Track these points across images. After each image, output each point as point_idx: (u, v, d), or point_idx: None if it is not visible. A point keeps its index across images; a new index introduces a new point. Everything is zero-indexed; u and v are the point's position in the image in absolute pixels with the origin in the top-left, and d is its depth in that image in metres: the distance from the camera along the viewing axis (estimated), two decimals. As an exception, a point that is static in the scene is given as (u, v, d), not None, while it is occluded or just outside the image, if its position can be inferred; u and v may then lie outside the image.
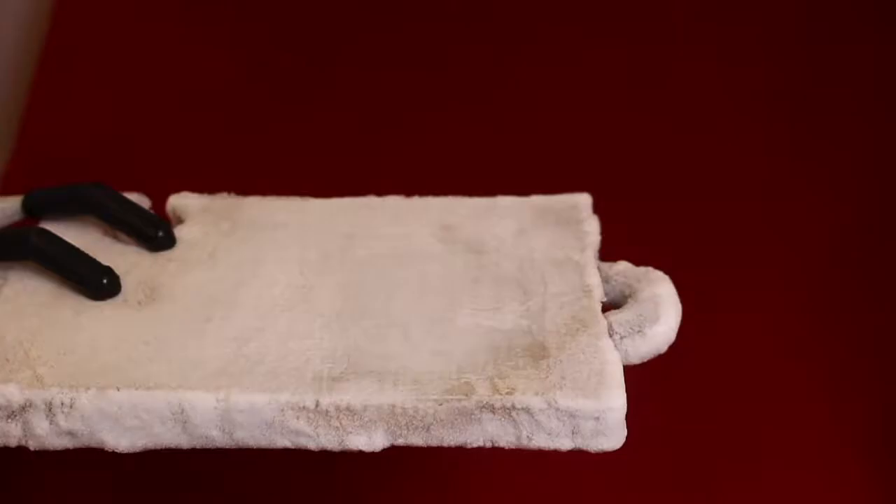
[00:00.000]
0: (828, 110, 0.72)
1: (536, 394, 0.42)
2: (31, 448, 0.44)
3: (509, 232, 0.50)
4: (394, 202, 0.52)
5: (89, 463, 0.48)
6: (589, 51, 0.76)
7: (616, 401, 0.42)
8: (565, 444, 0.43)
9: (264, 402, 0.43)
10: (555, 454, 0.43)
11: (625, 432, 0.43)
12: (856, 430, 0.57)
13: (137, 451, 0.44)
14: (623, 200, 0.62)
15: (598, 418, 0.42)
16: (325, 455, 0.44)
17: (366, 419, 0.43)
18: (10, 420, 0.43)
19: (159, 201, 0.53)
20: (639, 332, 0.45)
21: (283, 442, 0.43)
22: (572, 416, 0.42)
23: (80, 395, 0.43)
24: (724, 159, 0.70)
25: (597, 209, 0.51)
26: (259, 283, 0.48)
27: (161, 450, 0.44)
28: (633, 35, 0.77)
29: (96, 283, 0.47)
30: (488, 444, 0.43)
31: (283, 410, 0.43)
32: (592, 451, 0.43)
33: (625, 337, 0.45)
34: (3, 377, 0.44)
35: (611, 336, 0.45)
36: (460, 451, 0.44)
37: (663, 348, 0.46)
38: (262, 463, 0.54)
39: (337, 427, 0.43)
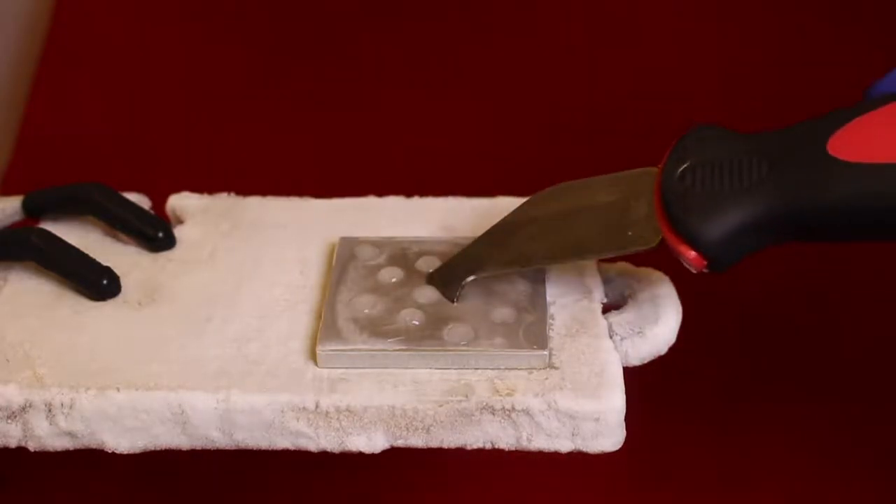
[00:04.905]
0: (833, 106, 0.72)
1: (536, 395, 0.42)
2: (31, 449, 0.44)
3: (509, 232, 0.50)
4: (394, 202, 0.52)
5: (89, 463, 0.48)
6: (587, 50, 0.76)
7: (616, 402, 0.42)
8: (565, 445, 0.43)
9: (264, 404, 0.43)
10: (554, 454, 0.43)
11: (624, 433, 0.43)
12: (857, 432, 0.57)
13: (137, 451, 0.44)
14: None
15: (598, 419, 0.42)
16: (324, 456, 0.44)
17: (366, 420, 0.43)
18: (9, 421, 0.43)
19: (159, 201, 0.53)
20: (639, 333, 0.45)
21: (283, 443, 0.43)
22: (572, 417, 0.42)
23: (80, 396, 0.43)
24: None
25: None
26: (259, 283, 0.48)
27: (161, 450, 0.44)
28: (634, 35, 0.77)
29: (96, 283, 0.47)
30: (488, 446, 0.43)
31: (283, 411, 0.43)
32: (592, 452, 0.43)
33: (625, 338, 0.45)
34: (2, 377, 0.44)
35: (611, 337, 0.45)
36: (460, 453, 0.44)
37: (663, 349, 0.46)
38: (262, 463, 0.54)
39: (337, 428, 0.43)
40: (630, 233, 0.44)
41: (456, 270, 0.46)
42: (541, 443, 0.43)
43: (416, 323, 0.45)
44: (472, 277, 0.46)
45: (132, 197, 0.52)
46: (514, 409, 0.42)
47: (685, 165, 0.43)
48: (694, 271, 0.43)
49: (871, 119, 0.41)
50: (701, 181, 0.42)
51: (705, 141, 0.43)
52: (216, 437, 0.43)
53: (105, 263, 0.48)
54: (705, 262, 0.42)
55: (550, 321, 0.45)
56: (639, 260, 0.49)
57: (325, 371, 0.44)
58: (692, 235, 0.42)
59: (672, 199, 0.43)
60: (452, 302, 0.45)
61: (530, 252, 0.46)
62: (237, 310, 0.47)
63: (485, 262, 0.46)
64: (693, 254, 0.42)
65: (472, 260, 0.46)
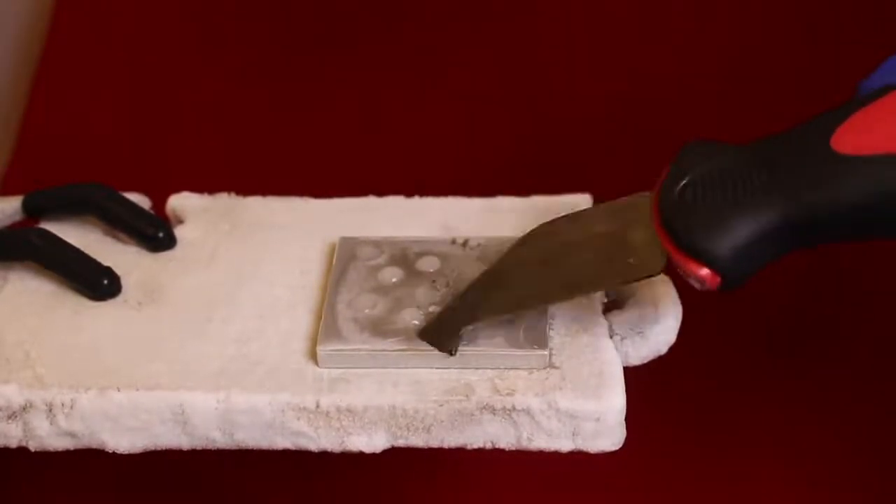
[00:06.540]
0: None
1: (536, 395, 0.42)
2: (32, 449, 0.44)
3: (509, 233, 0.50)
4: (394, 202, 0.52)
5: (89, 463, 0.48)
6: (589, 51, 0.76)
7: (616, 401, 0.43)
8: (565, 444, 0.43)
9: (265, 403, 0.43)
10: (555, 454, 0.43)
11: (624, 433, 0.43)
12: (859, 433, 0.57)
13: (137, 451, 0.44)
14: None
15: (599, 419, 0.42)
16: (325, 455, 0.44)
17: (366, 420, 0.43)
18: (10, 421, 0.43)
19: (159, 201, 0.53)
20: (639, 332, 0.45)
21: (283, 443, 0.43)
22: (572, 417, 0.42)
23: (80, 396, 0.43)
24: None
25: (597, 209, 0.51)
26: (259, 283, 0.48)
27: (161, 450, 0.44)
28: (634, 33, 0.77)
29: (96, 283, 0.47)
30: (488, 446, 0.43)
31: (283, 411, 0.43)
32: (592, 452, 0.43)
33: (625, 338, 0.45)
34: (3, 377, 0.44)
35: (611, 337, 0.45)
36: (460, 452, 0.44)
37: (664, 349, 0.46)
38: (262, 463, 0.54)
39: (337, 428, 0.43)
40: (632, 261, 0.43)
41: (452, 320, 0.44)
42: (541, 442, 0.43)
43: (417, 323, 0.45)
44: (470, 327, 0.44)
45: (132, 197, 0.52)
46: (514, 408, 0.42)
47: (684, 181, 0.41)
48: (703, 289, 0.41)
49: (874, 111, 0.40)
50: (703, 195, 0.41)
51: (702, 155, 0.42)
52: (216, 437, 0.43)
53: (105, 263, 0.48)
54: (719, 279, 0.41)
55: (550, 321, 0.45)
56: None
57: (326, 371, 0.44)
58: (702, 251, 0.40)
59: (675, 218, 0.41)
60: (451, 354, 0.43)
61: (528, 294, 0.44)
62: (237, 310, 0.47)
63: (481, 310, 0.44)
64: (706, 271, 0.40)
65: (468, 308, 0.44)
